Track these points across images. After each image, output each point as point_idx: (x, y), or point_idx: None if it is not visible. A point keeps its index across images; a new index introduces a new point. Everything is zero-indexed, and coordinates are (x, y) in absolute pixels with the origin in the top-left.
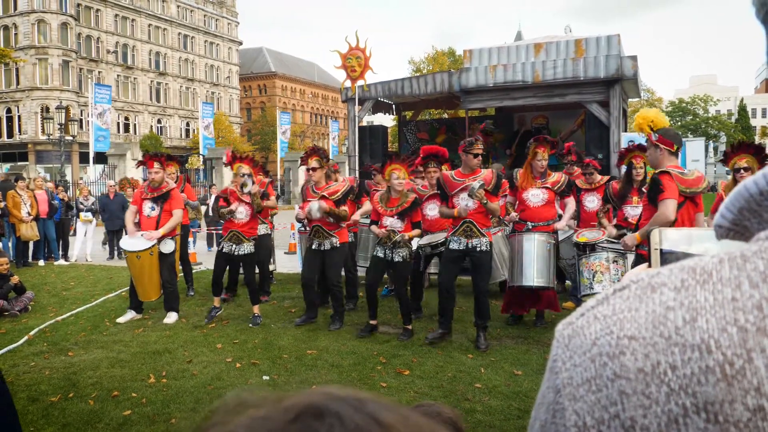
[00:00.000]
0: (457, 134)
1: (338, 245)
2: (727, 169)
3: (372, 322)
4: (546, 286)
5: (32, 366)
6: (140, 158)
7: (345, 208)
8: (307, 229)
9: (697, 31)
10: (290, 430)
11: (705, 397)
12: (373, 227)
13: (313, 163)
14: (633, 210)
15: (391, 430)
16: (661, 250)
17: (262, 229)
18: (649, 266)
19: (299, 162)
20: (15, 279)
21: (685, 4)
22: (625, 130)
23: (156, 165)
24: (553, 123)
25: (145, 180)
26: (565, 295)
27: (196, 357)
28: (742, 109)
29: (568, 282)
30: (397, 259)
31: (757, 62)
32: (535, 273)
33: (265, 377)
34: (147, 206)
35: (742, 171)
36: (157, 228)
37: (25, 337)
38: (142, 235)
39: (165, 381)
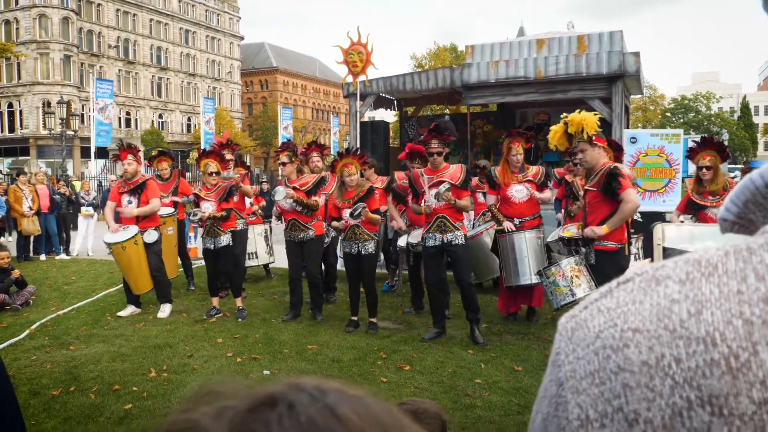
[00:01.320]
0: (459, 130)
1: (314, 237)
2: (729, 166)
3: (353, 317)
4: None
5: (33, 360)
6: (142, 153)
7: (316, 198)
8: (283, 222)
9: (700, 29)
10: (246, 419)
11: (710, 390)
12: (334, 223)
13: (284, 158)
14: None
15: (347, 422)
16: (663, 247)
17: (240, 224)
18: (652, 262)
19: (275, 157)
20: (16, 273)
21: (688, 2)
22: (627, 127)
23: (129, 156)
24: (555, 119)
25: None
26: None
27: (197, 351)
28: (745, 106)
29: None
30: (363, 253)
31: (760, 60)
32: (531, 270)
33: (265, 372)
34: (125, 200)
35: (704, 170)
36: (137, 221)
37: (27, 331)
38: (125, 228)
39: (166, 375)
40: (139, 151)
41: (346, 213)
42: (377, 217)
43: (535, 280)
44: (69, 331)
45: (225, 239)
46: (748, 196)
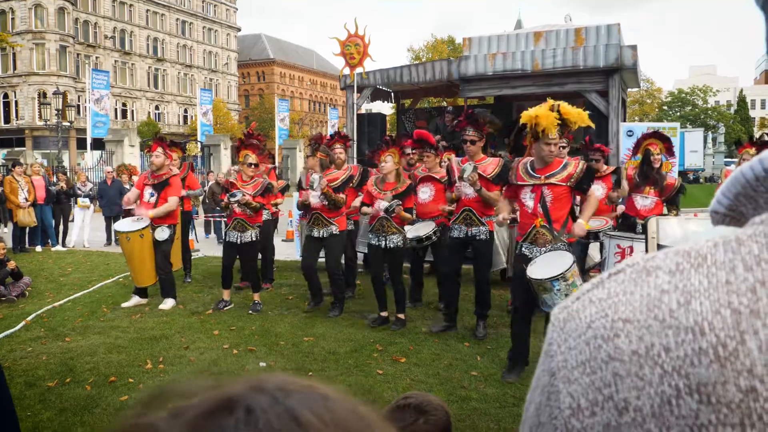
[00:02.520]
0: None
1: (337, 233)
2: (726, 160)
3: (383, 314)
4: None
5: (29, 351)
6: (138, 144)
7: (342, 195)
8: (307, 216)
9: (697, 22)
10: (201, 425)
11: (698, 378)
12: (365, 208)
13: (307, 151)
14: (642, 200)
15: (308, 427)
16: (658, 244)
17: (265, 215)
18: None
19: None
20: (12, 264)
21: None
22: (624, 120)
23: (159, 149)
24: None
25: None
26: None
27: (193, 343)
28: (742, 100)
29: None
30: (391, 246)
31: (757, 53)
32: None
33: (261, 364)
34: (147, 192)
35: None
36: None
37: (23, 323)
38: (138, 219)
39: (162, 367)
40: (169, 144)
41: (380, 203)
42: (409, 216)
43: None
44: (65, 323)
45: (250, 235)
46: (738, 189)
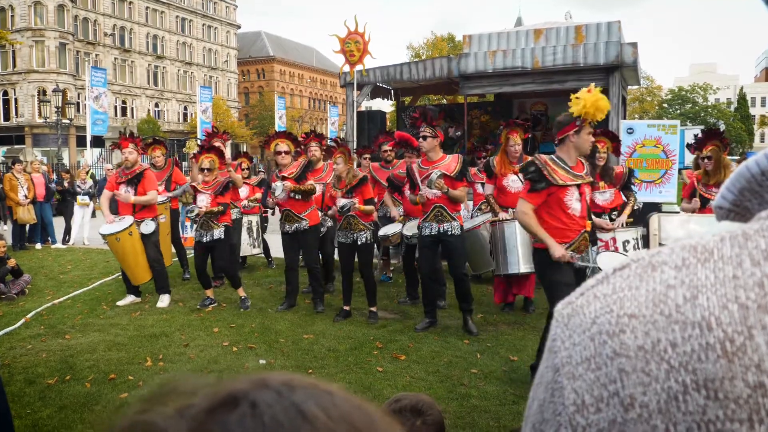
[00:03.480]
0: (456, 120)
1: (309, 227)
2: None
3: (345, 308)
4: (532, 271)
5: (29, 349)
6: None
7: (310, 182)
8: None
9: (698, 20)
10: (206, 420)
11: (705, 374)
12: (330, 211)
13: (284, 146)
14: (601, 195)
15: (314, 421)
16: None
17: (234, 213)
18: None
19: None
20: (12, 262)
21: None
22: (624, 118)
23: (130, 145)
24: (553, 109)
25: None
26: None
27: (193, 341)
28: (742, 97)
29: None
30: (360, 242)
31: (757, 51)
32: (520, 259)
33: (261, 361)
34: (122, 190)
35: (706, 160)
36: (134, 211)
37: (22, 320)
38: (120, 219)
39: (162, 364)
40: (141, 140)
41: (340, 202)
42: (369, 207)
43: (524, 269)
44: (65, 320)
45: (218, 232)
46: (743, 184)
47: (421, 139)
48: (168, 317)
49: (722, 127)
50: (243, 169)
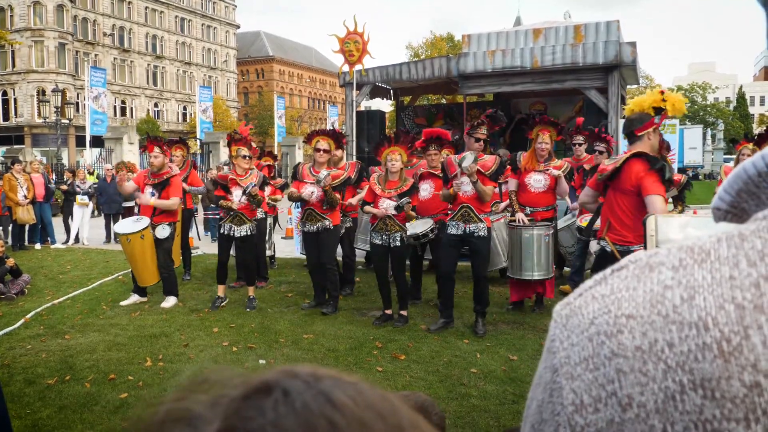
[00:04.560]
0: (455, 119)
1: (331, 227)
2: (725, 156)
3: (387, 311)
4: (546, 277)
5: (29, 349)
6: (137, 142)
7: (338, 195)
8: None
9: (696, 19)
10: (241, 407)
11: (702, 373)
12: (368, 207)
13: (324, 144)
14: None
15: (343, 408)
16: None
17: (259, 213)
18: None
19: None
20: (11, 262)
21: None
22: (623, 117)
23: (156, 149)
24: (552, 109)
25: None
26: (562, 280)
27: (193, 341)
28: (741, 96)
29: (566, 268)
30: (394, 244)
31: (756, 50)
32: (534, 266)
33: (261, 361)
34: (147, 192)
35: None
36: (153, 214)
37: (22, 320)
38: (137, 219)
39: (162, 364)
40: (167, 143)
41: (385, 203)
42: (413, 214)
43: (537, 276)
44: (64, 320)
45: (247, 228)
46: (740, 186)
47: (473, 140)
48: (168, 317)
49: (721, 126)
50: (267, 166)
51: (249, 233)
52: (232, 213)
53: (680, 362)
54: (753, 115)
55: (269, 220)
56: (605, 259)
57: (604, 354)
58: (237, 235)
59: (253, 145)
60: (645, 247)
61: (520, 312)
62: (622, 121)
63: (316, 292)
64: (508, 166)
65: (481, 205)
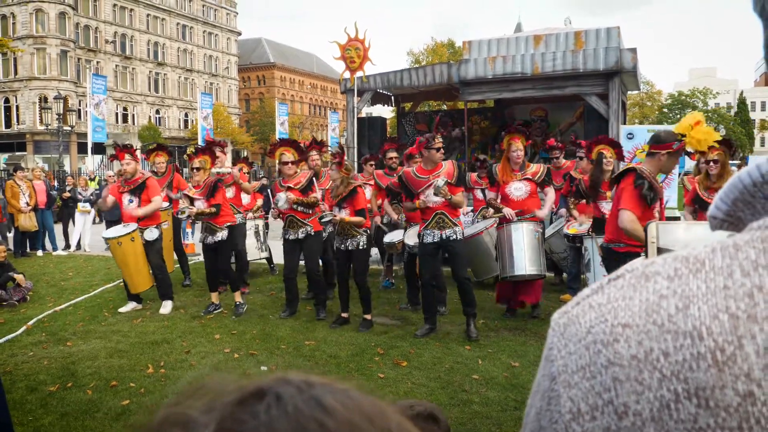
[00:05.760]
0: (456, 126)
1: (313, 233)
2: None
3: (344, 315)
4: (539, 274)
5: (31, 356)
6: (139, 149)
7: (314, 195)
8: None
9: (697, 24)
10: (235, 411)
11: (696, 382)
12: (324, 218)
13: (289, 156)
14: (608, 204)
15: (333, 411)
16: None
17: (238, 219)
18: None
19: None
20: (21, 278)
21: None
22: (624, 123)
23: (127, 156)
24: (552, 115)
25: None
26: (562, 288)
27: (195, 347)
28: (742, 102)
29: (564, 275)
30: (352, 248)
31: (757, 55)
32: (527, 262)
33: (263, 368)
34: (126, 199)
35: (712, 163)
36: (138, 220)
37: (24, 327)
38: (124, 225)
39: (163, 371)
40: (136, 149)
41: (334, 210)
42: (357, 219)
43: (530, 271)
44: (66, 327)
45: (220, 234)
46: (736, 195)
47: (434, 151)
48: (169, 324)
49: (722, 132)
50: (244, 173)
51: (222, 239)
52: (190, 219)
53: (675, 371)
54: (754, 120)
55: (259, 225)
56: (607, 252)
57: (600, 362)
58: (209, 242)
59: (223, 153)
60: (646, 254)
61: (522, 318)
62: (623, 128)
63: (288, 299)
64: (483, 177)
65: (454, 210)
